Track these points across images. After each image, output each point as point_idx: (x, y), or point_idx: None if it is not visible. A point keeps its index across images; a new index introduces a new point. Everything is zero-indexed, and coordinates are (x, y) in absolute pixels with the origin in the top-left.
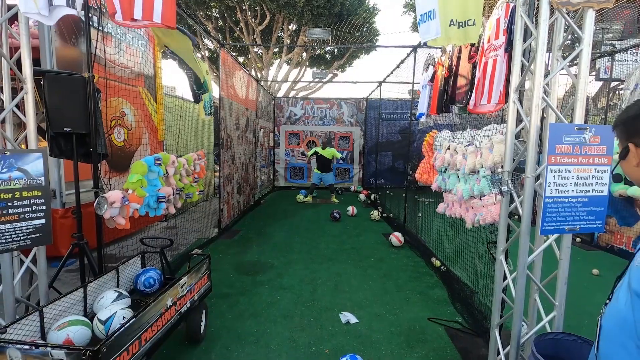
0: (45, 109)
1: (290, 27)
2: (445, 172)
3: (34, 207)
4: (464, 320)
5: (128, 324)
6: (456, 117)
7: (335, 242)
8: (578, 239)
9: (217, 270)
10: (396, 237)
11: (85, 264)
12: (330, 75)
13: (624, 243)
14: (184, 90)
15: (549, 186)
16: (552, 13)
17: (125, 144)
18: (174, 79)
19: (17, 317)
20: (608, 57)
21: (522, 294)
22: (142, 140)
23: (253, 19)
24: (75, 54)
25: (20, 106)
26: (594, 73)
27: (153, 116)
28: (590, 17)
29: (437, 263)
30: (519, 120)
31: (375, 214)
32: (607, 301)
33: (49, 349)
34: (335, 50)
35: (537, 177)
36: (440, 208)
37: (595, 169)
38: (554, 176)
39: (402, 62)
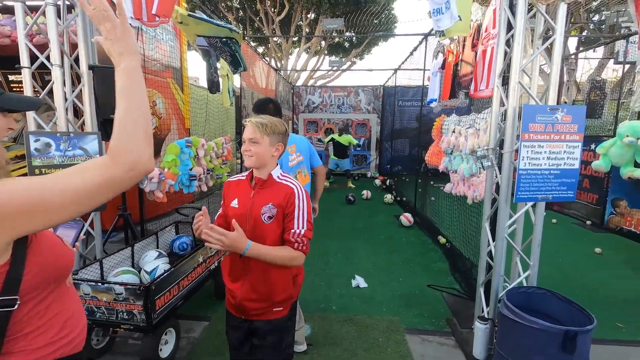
0: (96, 99)
1: (308, 15)
2: (451, 153)
3: None
4: (461, 288)
5: (170, 271)
6: (463, 102)
7: (349, 221)
8: (588, 222)
9: None
10: (406, 218)
11: (128, 234)
12: (348, 64)
13: (634, 225)
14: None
15: (522, 159)
16: (532, 7)
17: (157, 131)
18: (197, 70)
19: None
20: (624, 40)
21: (501, 255)
22: (171, 128)
23: (272, 9)
24: None
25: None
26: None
27: (180, 106)
28: (562, 9)
29: (443, 240)
30: (503, 103)
31: (388, 197)
32: None
33: (112, 285)
34: (354, 38)
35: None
36: (447, 188)
37: (566, 144)
38: (527, 151)
39: (414, 49)
